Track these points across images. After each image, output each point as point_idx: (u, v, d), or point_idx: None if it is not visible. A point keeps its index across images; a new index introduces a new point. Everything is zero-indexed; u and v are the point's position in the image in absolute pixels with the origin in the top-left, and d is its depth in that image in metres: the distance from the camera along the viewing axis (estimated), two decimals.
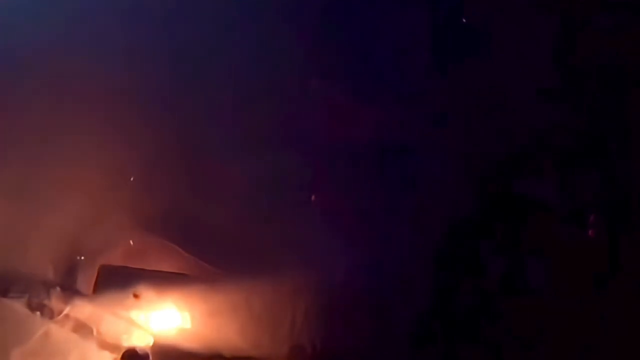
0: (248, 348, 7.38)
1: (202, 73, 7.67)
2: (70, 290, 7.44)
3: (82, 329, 7.37)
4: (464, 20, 7.94)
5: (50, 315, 7.32)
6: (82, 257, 7.61)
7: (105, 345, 7.37)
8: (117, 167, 7.49)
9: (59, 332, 7.30)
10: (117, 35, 7.53)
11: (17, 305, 7.28)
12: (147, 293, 7.45)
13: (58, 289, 7.38)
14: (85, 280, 7.53)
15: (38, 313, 7.31)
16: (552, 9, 7.66)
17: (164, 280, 7.58)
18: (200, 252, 7.70)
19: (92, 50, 7.47)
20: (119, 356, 7.35)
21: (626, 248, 7.24)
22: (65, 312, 7.34)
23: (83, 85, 7.42)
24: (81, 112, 7.44)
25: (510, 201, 7.65)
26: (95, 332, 7.38)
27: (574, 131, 7.56)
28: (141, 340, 7.45)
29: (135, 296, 7.43)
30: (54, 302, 7.34)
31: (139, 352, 7.36)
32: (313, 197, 7.75)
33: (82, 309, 7.38)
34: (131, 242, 7.71)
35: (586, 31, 7.62)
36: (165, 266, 7.73)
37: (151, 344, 7.45)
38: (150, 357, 7.38)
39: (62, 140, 7.46)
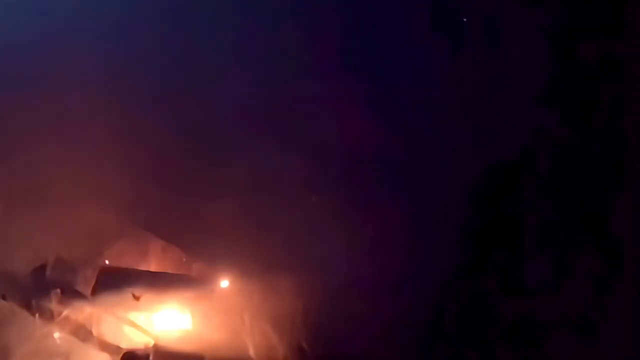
0: (248, 349, 7.37)
1: (203, 74, 7.67)
2: (69, 292, 7.41)
3: (82, 330, 7.34)
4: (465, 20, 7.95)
5: (50, 317, 7.29)
6: (82, 259, 7.58)
7: (105, 347, 7.34)
8: (117, 168, 7.45)
9: (59, 334, 7.28)
10: (121, 36, 7.53)
11: (18, 307, 7.25)
12: (146, 294, 7.43)
13: (58, 291, 7.34)
14: (85, 281, 7.49)
15: (38, 315, 7.28)
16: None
17: (163, 281, 7.57)
18: (200, 252, 7.69)
19: (96, 50, 7.46)
20: (119, 358, 7.31)
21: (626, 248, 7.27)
22: (65, 313, 7.31)
23: (85, 87, 7.42)
24: (82, 113, 7.43)
25: (510, 202, 7.68)
26: (95, 334, 7.35)
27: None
28: (141, 342, 7.43)
29: (135, 297, 7.41)
30: (54, 304, 7.31)
31: (139, 353, 7.34)
32: (313, 197, 7.75)
33: (81, 311, 7.36)
34: (130, 244, 7.69)
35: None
36: (165, 267, 7.72)
37: (151, 345, 7.43)
38: (150, 359, 7.36)
39: (62, 143, 7.44)
